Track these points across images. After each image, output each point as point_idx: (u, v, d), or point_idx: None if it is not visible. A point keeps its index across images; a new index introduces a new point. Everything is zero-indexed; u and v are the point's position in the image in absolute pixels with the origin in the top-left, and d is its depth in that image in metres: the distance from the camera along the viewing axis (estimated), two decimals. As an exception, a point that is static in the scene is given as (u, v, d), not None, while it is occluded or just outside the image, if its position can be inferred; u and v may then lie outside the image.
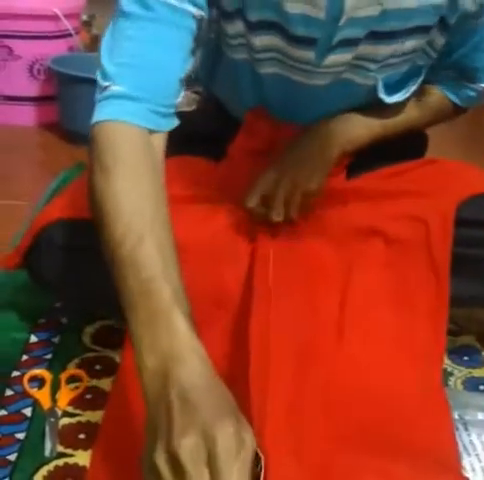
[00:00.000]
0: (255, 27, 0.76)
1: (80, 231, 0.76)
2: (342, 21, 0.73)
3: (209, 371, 0.54)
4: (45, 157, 1.48)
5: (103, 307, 0.85)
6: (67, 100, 1.51)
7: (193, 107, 1.49)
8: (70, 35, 1.62)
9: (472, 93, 0.90)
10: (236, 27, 0.78)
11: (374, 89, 0.83)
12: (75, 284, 0.80)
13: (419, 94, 0.89)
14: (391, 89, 0.84)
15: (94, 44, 1.78)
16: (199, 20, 0.72)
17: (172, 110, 0.71)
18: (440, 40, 0.80)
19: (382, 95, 0.84)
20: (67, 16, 1.57)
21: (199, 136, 0.93)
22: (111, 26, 0.71)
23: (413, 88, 0.86)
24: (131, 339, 0.57)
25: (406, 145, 0.92)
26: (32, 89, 1.59)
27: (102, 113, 0.67)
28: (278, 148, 0.87)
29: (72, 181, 0.95)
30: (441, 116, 0.93)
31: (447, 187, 0.85)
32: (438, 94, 0.91)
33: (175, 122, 0.72)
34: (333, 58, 0.78)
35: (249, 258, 0.81)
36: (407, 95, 0.86)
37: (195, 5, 0.71)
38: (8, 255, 0.84)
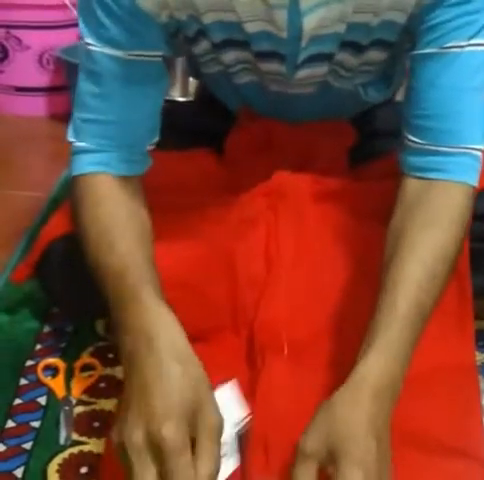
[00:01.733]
0: (221, 46, 0.75)
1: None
2: (304, 42, 0.70)
3: (181, 345, 0.58)
4: (56, 147, 1.48)
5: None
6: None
7: (190, 98, 1.49)
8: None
9: (468, 160, 0.67)
10: (202, 47, 0.76)
11: (356, 92, 0.82)
12: (82, 295, 0.78)
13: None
14: (375, 86, 0.83)
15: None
16: (160, 58, 0.70)
17: (144, 156, 0.73)
18: (407, 45, 0.75)
19: (365, 98, 0.82)
20: (75, 5, 1.57)
21: (197, 128, 0.93)
22: (78, 80, 0.71)
23: (397, 78, 0.85)
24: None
25: None
26: (42, 79, 1.59)
27: (74, 169, 0.71)
28: (275, 144, 0.87)
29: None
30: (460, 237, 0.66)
31: None
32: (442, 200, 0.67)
33: (149, 163, 0.74)
34: (306, 72, 0.76)
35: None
36: (392, 90, 0.85)
37: (153, 48, 0.69)
38: (17, 268, 0.84)
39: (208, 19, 0.70)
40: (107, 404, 0.76)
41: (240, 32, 0.71)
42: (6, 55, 1.55)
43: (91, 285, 0.71)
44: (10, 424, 0.73)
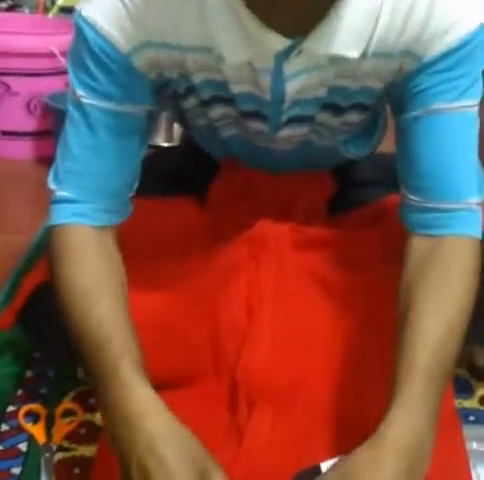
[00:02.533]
0: (209, 102, 0.77)
1: None
2: (286, 105, 0.73)
3: (170, 423, 0.59)
4: (42, 190, 1.50)
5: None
6: (63, 135, 1.54)
7: (174, 143, 1.51)
8: (66, 72, 1.64)
9: (468, 214, 0.69)
10: (190, 102, 0.79)
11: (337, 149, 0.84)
12: (67, 340, 0.79)
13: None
14: (356, 143, 0.85)
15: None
16: (147, 112, 0.73)
17: (124, 205, 0.74)
18: (387, 101, 0.78)
19: (346, 154, 0.85)
20: (63, 54, 1.61)
21: (181, 174, 0.95)
22: (66, 131, 0.72)
23: (378, 135, 0.88)
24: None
25: (389, 175, 0.94)
26: (29, 124, 1.61)
27: (52, 218, 0.71)
28: (256, 193, 0.89)
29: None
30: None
31: None
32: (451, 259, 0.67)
33: (129, 211, 0.75)
34: (287, 132, 0.78)
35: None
36: (372, 146, 0.88)
37: (142, 102, 0.71)
38: (1, 316, 0.85)
39: (197, 78, 0.73)
40: (87, 450, 0.77)
41: (226, 91, 0.74)
42: (-6, 101, 1.59)
43: None
44: (-10, 471, 0.74)
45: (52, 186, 0.73)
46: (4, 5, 2.12)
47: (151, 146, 0.95)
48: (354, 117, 0.79)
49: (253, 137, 0.83)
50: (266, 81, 0.70)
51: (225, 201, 0.90)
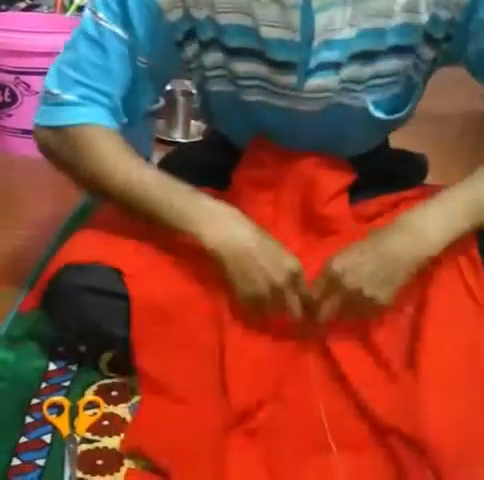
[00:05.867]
0: (235, 53, 0.78)
1: (91, 274, 0.80)
2: (315, 43, 0.74)
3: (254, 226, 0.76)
4: (61, 188, 1.52)
5: (114, 346, 0.87)
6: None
7: (199, 137, 1.52)
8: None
9: None
10: (213, 57, 0.80)
11: (367, 111, 0.82)
12: (87, 324, 0.82)
13: None
14: (388, 107, 0.83)
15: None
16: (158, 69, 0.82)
17: (122, 120, 0.83)
18: (430, 54, 0.79)
19: (378, 114, 0.83)
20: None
21: (204, 166, 0.96)
22: (78, 42, 0.79)
23: (411, 105, 0.86)
24: (173, 229, 0.76)
25: (405, 170, 0.93)
26: (48, 123, 1.64)
27: (65, 118, 0.80)
28: (284, 178, 0.88)
29: (89, 213, 0.98)
30: None
31: None
32: None
33: (122, 119, 0.84)
34: (315, 82, 0.78)
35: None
36: (406, 112, 0.86)
37: (158, 52, 0.80)
38: (24, 300, 0.87)
39: (225, 20, 0.74)
40: (110, 442, 0.78)
41: (255, 38, 0.75)
42: (15, 99, 1.60)
43: (96, 313, 0.76)
44: (15, 462, 0.75)
45: (55, 90, 0.80)
46: (22, 5, 2.14)
47: (170, 142, 0.96)
48: (389, 65, 0.77)
49: (277, 97, 0.81)
50: (295, 17, 0.72)
51: (247, 190, 0.90)
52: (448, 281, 0.78)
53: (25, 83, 1.59)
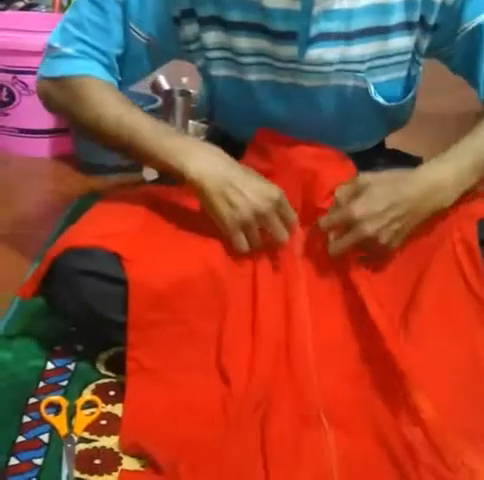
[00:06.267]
0: (236, 28, 0.81)
1: (90, 258, 0.81)
2: (315, 11, 0.76)
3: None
4: (59, 187, 1.52)
5: (112, 331, 0.86)
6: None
7: (201, 137, 1.53)
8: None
9: None
10: (214, 36, 0.82)
11: (369, 95, 0.85)
12: (85, 308, 0.83)
13: None
14: (388, 94, 0.87)
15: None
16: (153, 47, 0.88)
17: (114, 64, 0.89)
18: (424, 42, 0.83)
19: (377, 97, 0.86)
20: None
21: None
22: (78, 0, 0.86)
23: (410, 95, 0.90)
24: (165, 165, 0.80)
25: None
26: (46, 122, 1.63)
27: (64, 69, 0.87)
28: (284, 171, 0.89)
29: (86, 210, 0.99)
30: None
31: (456, 210, 0.84)
32: None
33: (118, 78, 0.90)
34: (315, 53, 0.81)
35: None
36: (405, 101, 0.89)
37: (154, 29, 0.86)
38: (24, 284, 0.87)
39: None
40: (108, 441, 0.78)
41: (257, 10, 0.77)
42: (13, 99, 1.60)
43: (94, 297, 0.78)
44: (13, 461, 0.74)
45: (56, 44, 0.87)
46: (20, 4, 2.14)
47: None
48: (391, 44, 0.80)
49: (280, 72, 0.84)
50: None
51: None
52: (445, 273, 0.80)
53: (22, 82, 1.58)
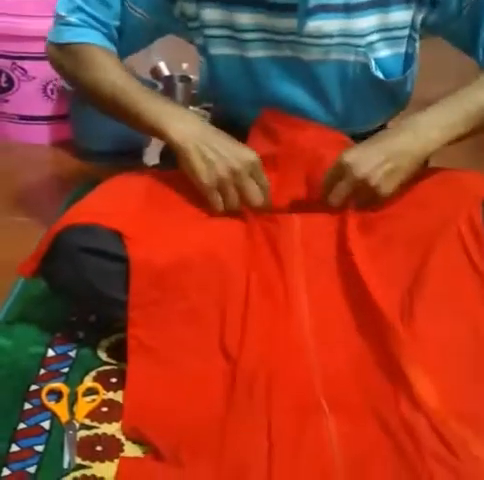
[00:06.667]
0: (237, 3, 0.83)
1: (92, 235, 0.81)
2: None
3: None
4: (58, 173, 1.51)
5: (113, 309, 0.85)
6: (79, 119, 1.54)
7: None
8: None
9: None
10: (213, 13, 0.85)
11: (370, 71, 0.87)
12: (87, 286, 0.83)
13: None
14: (387, 70, 0.89)
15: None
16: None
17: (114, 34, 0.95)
18: (418, 18, 0.86)
19: (377, 73, 0.88)
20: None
21: None
22: None
23: (408, 71, 0.91)
24: (150, 126, 0.86)
25: None
26: (46, 108, 1.62)
27: (70, 36, 0.93)
28: (288, 155, 0.89)
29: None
30: None
31: (461, 192, 0.85)
32: None
33: (118, 46, 0.96)
34: (315, 24, 0.83)
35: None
36: (404, 76, 0.91)
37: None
38: (24, 262, 0.86)
39: None
40: (109, 428, 0.78)
41: None
42: (12, 85, 1.59)
43: (96, 275, 0.78)
44: (14, 448, 0.74)
45: (62, 12, 0.94)
46: (19, -11, 2.12)
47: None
48: (393, 17, 0.83)
49: (282, 48, 0.86)
50: None
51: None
52: (450, 253, 0.79)
53: (22, 68, 1.57)
